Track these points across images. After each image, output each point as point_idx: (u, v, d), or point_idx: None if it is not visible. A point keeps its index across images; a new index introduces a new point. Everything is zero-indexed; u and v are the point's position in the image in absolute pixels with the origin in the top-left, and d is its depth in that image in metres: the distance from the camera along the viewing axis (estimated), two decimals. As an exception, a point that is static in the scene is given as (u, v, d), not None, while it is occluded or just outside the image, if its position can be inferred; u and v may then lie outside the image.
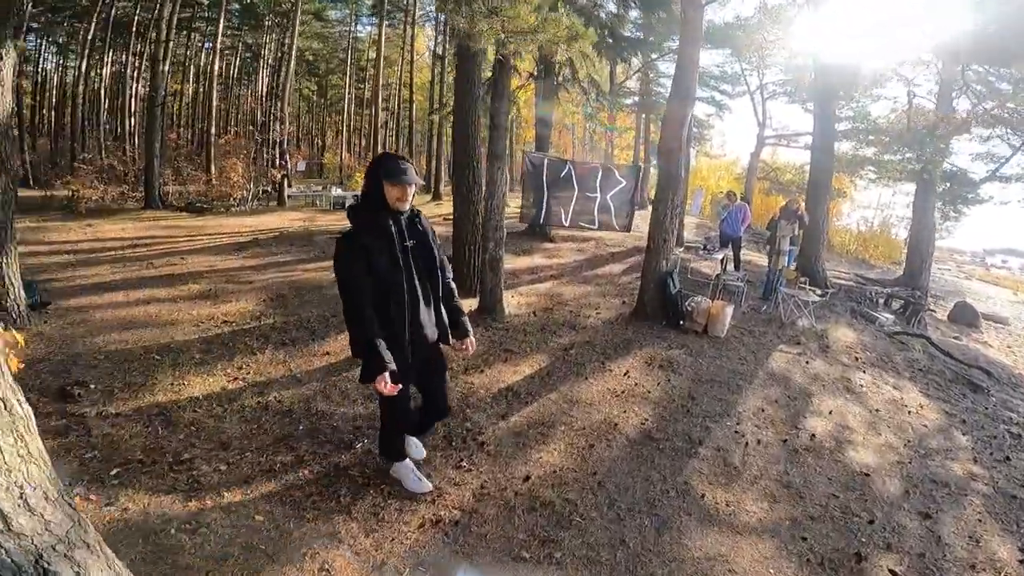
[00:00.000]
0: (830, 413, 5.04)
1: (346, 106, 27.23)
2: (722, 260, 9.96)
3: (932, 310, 11.75)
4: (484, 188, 6.14)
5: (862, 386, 5.86)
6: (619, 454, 4.01)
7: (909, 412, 5.35)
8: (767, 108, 22.00)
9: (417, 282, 2.64)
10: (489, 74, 6.87)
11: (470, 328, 2.99)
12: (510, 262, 9.55)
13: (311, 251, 9.25)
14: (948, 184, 13.61)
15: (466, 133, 6.93)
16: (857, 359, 6.72)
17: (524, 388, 4.89)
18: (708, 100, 22.58)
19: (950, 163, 13.55)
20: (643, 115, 23.10)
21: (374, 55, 25.48)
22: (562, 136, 27.39)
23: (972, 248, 30.30)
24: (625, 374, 5.37)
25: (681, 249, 8.96)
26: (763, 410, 4.90)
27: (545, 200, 7.86)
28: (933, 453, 4.54)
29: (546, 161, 7.87)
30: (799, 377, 5.82)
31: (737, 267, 10.11)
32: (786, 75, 20.09)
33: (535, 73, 13.97)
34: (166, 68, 15.10)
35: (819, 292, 7.76)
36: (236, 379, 4.37)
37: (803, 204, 8.63)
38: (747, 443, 4.27)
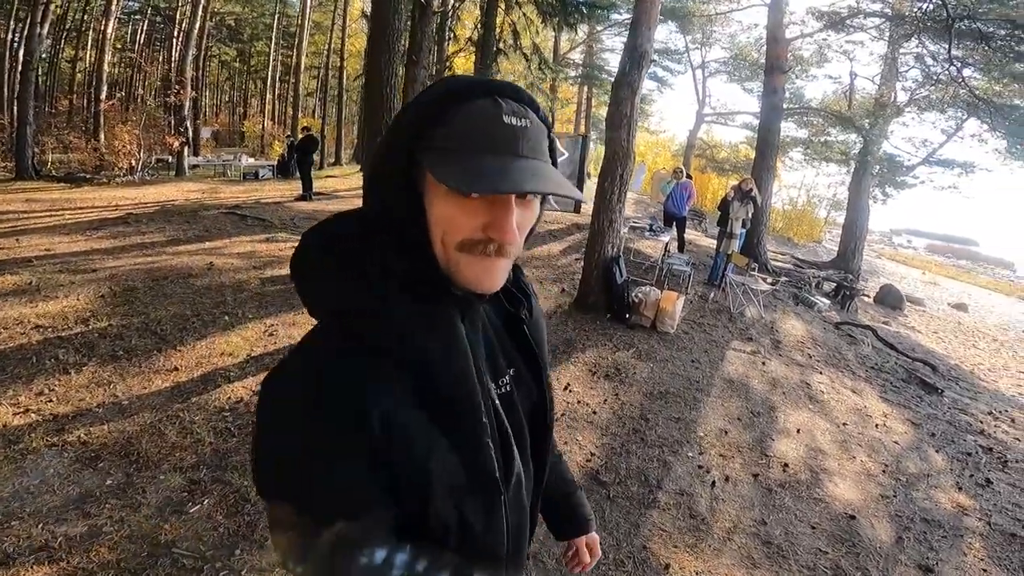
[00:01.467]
0: (798, 432, 4.28)
1: (270, 73, 24.58)
2: (667, 242, 9.20)
3: (866, 295, 11.57)
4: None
5: (823, 392, 5.19)
6: (559, 503, 3.04)
7: (876, 426, 4.70)
8: (707, 86, 21.54)
9: (522, 471, 0.75)
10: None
11: (592, 518, 1.09)
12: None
13: (191, 229, 7.52)
14: (879, 168, 13.47)
15: (381, 94, 5.60)
16: (811, 357, 6.08)
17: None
18: (650, 75, 21.81)
19: (892, 146, 13.39)
20: (586, 88, 22.05)
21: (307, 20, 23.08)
22: None
23: (880, 228, 31.63)
24: (566, 388, 4.41)
25: (626, 229, 8.06)
26: (726, 432, 4.07)
27: None
28: (915, 481, 3.86)
29: None
30: (758, 383, 5.06)
31: (681, 248, 9.38)
32: (730, 52, 19.55)
33: (474, 38, 12.58)
34: (44, 31, 12.95)
35: (769, 280, 7.11)
36: (27, 411, 3.04)
37: (755, 185, 7.91)
38: (714, 482, 3.41)
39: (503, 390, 0.74)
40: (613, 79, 5.62)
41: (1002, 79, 11.02)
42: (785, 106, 12.77)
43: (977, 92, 11.04)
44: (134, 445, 2.89)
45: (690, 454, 3.70)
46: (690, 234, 13.90)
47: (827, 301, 9.25)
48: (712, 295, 7.48)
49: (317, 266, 0.64)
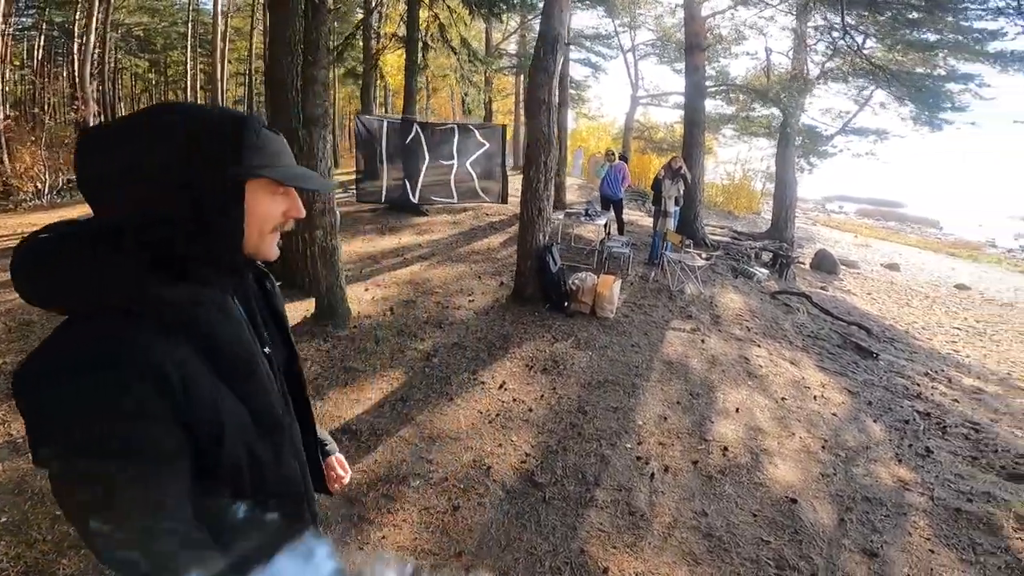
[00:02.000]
0: (737, 411, 4.18)
1: (189, 82, 23.18)
2: (605, 225, 9.07)
3: (801, 262, 11.83)
4: (319, 162, 4.51)
5: (761, 366, 5.14)
6: (493, 515, 2.83)
7: (814, 398, 4.66)
8: (639, 69, 21.63)
9: (294, 419, 0.97)
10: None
11: (330, 442, 1.24)
12: (371, 244, 7.98)
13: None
14: (801, 139, 13.80)
15: (287, 97, 5.15)
16: (749, 330, 6.06)
17: (367, 425, 3.54)
18: (584, 62, 21.81)
19: (811, 117, 13.71)
20: (523, 78, 21.77)
21: (223, 26, 21.83)
22: (440, 102, 25.17)
23: (813, 197, 32.81)
24: (501, 387, 4.17)
25: (561, 215, 7.87)
26: (665, 418, 3.93)
27: (385, 173, 6.19)
28: (854, 455, 3.80)
29: (385, 125, 6.11)
30: (697, 363, 4.96)
31: (621, 231, 9.27)
32: (656, 34, 19.67)
33: (398, 33, 12.11)
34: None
35: (705, 255, 7.07)
36: None
37: (684, 162, 7.85)
38: (653, 473, 3.24)
39: (267, 350, 0.89)
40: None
41: (896, 47, 11.39)
42: (708, 84, 12.90)
43: (875, 61, 11.42)
44: (28, 483, 2.65)
45: (628, 445, 3.53)
46: (631, 215, 13.91)
47: (765, 271, 9.37)
48: (652, 275, 7.40)
49: (80, 262, 0.69)
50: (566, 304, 5.63)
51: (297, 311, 5.13)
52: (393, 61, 16.70)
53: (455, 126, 6.42)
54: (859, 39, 11.01)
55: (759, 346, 5.63)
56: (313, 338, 4.73)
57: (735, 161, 24.32)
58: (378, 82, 16.30)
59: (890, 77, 11.71)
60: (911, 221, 31.49)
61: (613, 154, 9.07)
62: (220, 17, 18.37)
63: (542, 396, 4.10)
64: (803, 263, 11.95)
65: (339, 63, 14.81)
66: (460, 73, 11.87)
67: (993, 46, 11.47)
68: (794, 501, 3.09)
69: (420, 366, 4.46)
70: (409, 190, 6.31)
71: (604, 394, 4.19)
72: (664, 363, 4.85)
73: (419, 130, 6.21)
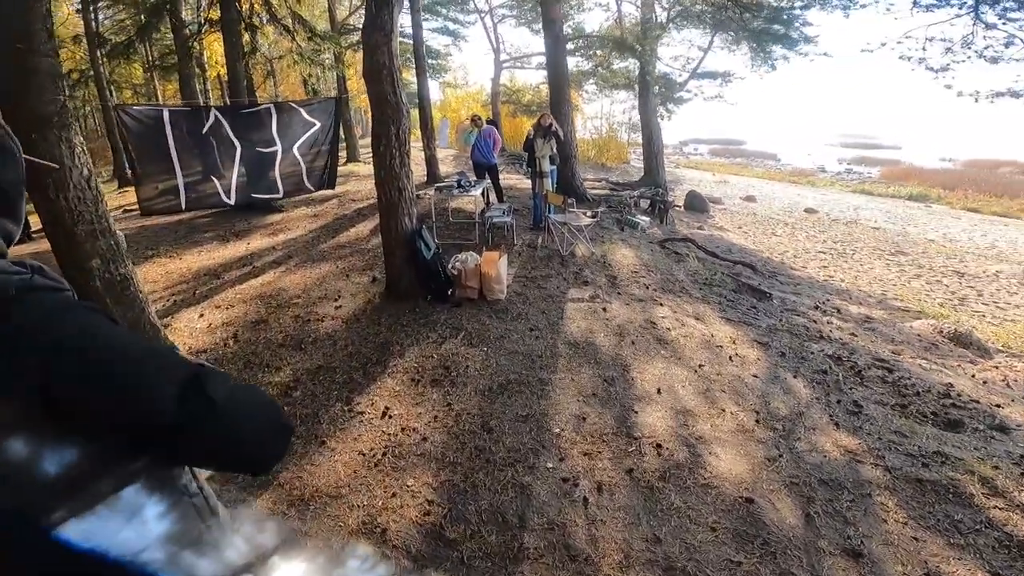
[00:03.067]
0: (659, 392, 3.60)
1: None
2: (483, 194, 8.25)
3: (678, 206, 11.88)
4: (68, 172, 3.15)
5: (669, 329, 4.64)
6: (391, 612, 1.97)
7: (730, 358, 4.22)
8: (499, 33, 20.75)
9: None
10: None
11: None
12: (210, 256, 6.51)
13: None
14: (658, 88, 13.85)
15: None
16: (648, 287, 5.59)
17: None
18: (442, 31, 20.50)
19: (665, 65, 13.71)
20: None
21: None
22: (291, 88, 22.14)
23: (671, 141, 34.41)
24: (385, 414, 3.26)
25: (432, 191, 6.92)
26: (584, 418, 3.25)
27: (179, 172, 4.66)
28: (791, 427, 3.32)
29: (166, 113, 4.54)
30: (604, 337, 4.35)
31: (500, 198, 8.50)
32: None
33: (211, 16, 10.06)
34: None
35: (590, 213, 6.51)
36: None
37: (554, 119, 7.17)
38: (585, 498, 2.54)
39: None
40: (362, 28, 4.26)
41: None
42: (567, 38, 12.38)
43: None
44: None
45: (550, 464, 2.80)
46: (510, 179, 13.23)
47: (647, 218, 9.13)
48: (540, 240, 6.73)
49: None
50: (450, 292, 4.78)
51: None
52: (219, 48, 14.32)
53: (270, 106, 4.88)
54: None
55: (662, 304, 5.18)
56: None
57: (600, 116, 24.56)
58: (205, 74, 13.83)
59: (724, 21, 11.93)
60: (754, 156, 34.17)
61: (480, 119, 8.18)
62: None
63: (436, 417, 3.25)
64: (678, 206, 12.03)
65: (131, 55, 12.28)
66: (299, 52, 10.22)
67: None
68: (750, 501, 2.54)
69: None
70: (221, 189, 4.78)
71: (509, 400, 3.42)
72: (569, 345, 4.18)
73: (219, 115, 4.58)
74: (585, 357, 4.03)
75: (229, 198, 4.68)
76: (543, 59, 15.21)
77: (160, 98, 20.65)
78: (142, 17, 12.36)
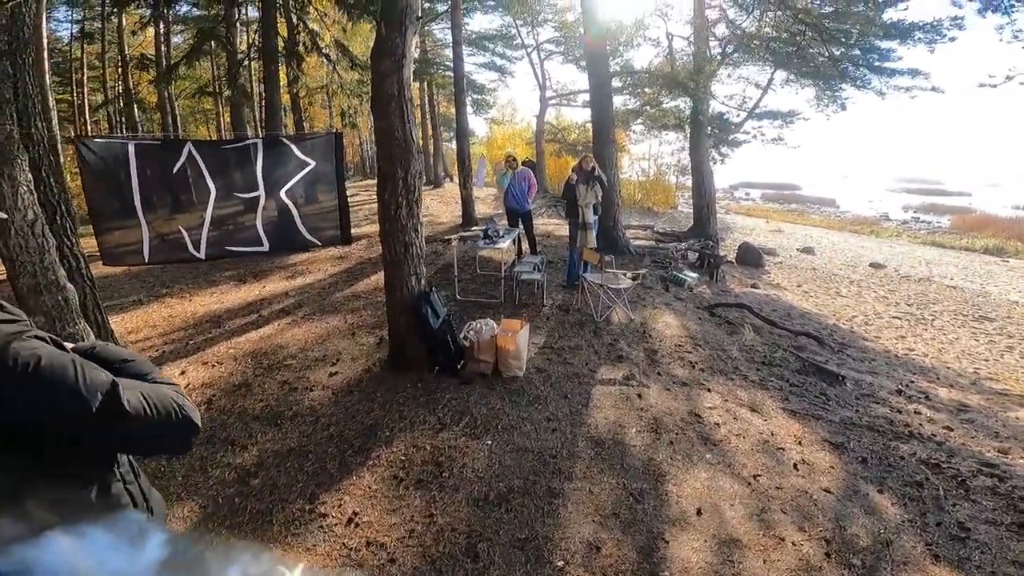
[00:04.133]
0: (699, 514, 2.84)
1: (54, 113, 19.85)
2: (515, 242, 7.68)
3: (730, 261, 10.99)
4: (10, 214, 2.77)
5: (718, 423, 3.86)
6: None
7: (795, 466, 3.41)
8: (546, 69, 20.68)
9: None
10: None
11: None
12: (219, 299, 6.17)
13: None
14: (712, 128, 13.15)
15: None
16: (694, 366, 4.81)
17: None
18: (489, 65, 20.62)
19: (721, 103, 13.05)
20: (425, 83, 20.18)
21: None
22: (316, 113, 22.29)
23: (721, 185, 33.28)
24: (350, 521, 2.66)
25: (455, 240, 6.39)
26: (598, 547, 2.53)
27: (142, 219, 4.02)
28: (875, 564, 2.53)
29: (131, 148, 3.84)
30: (636, 434, 3.60)
31: (533, 248, 7.91)
32: (558, 32, 18.77)
33: (255, 43, 10.17)
34: None
35: (630, 275, 5.80)
36: None
37: (596, 162, 6.58)
38: None
39: None
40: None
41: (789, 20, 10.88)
42: (613, 76, 11.93)
43: (773, 38, 10.87)
44: None
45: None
46: (549, 224, 12.69)
47: (695, 274, 8.33)
48: (574, 301, 6.07)
49: None
50: (460, 365, 4.16)
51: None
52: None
53: (257, 141, 4.05)
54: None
55: (710, 390, 4.39)
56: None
57: (647, 157, 23.94)
58: (250, 101, 14.12)
59: (790, 55, 11.20)
60: (810, 202, 32.61)
61: (515, 160, 7.69)
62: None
63: (412, 531, 2.60)
64: (730, 260, 11.12)
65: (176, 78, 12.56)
66: (338, 83, 10.16)
67: (888, 15, 11.18)
68: None
69: (229, 494, 2.87)
70: (189, 241, 4.05)
71: (507, 515, 2.73)
72: (592, 443, 3.46)
73: (193, 151, 3.89)
74: (610, 460, 3.29)
75: (198, 251, 4.01)
76: (589, 96, 14.87)
77: (220, 126, 21.41)
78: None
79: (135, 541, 0.85)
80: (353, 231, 9.10)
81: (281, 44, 9.38)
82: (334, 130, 4.87)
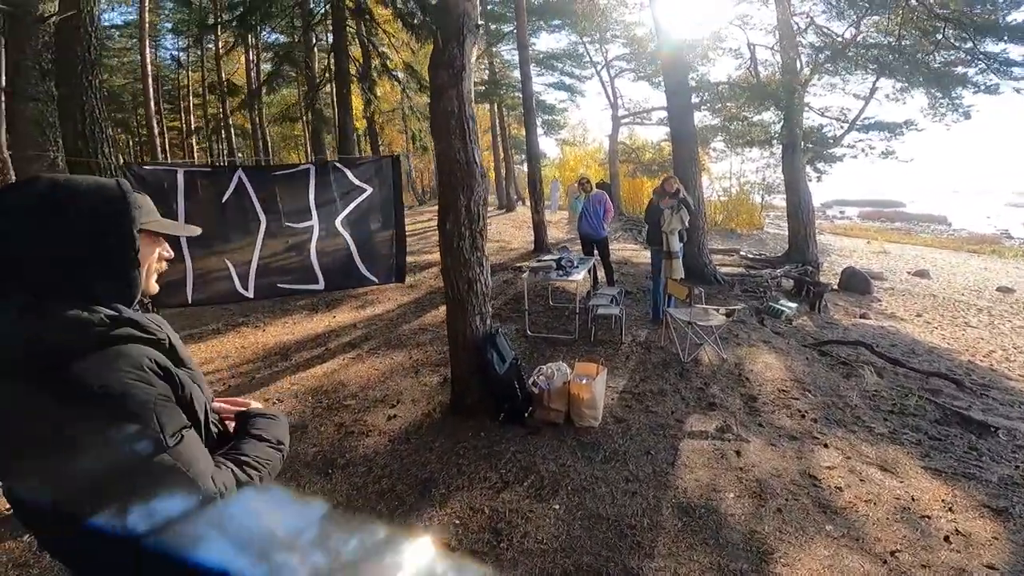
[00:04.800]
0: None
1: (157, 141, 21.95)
2: (590, 271, 7.20)
3: (835, 288, 9.86)
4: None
5: (839, 487, 3.16)
6: None
7: (946, 539, 2.68)
8: (616, 87, 20.23)
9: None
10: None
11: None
12: (290, 329, 6.15)
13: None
14: (807, 143, 12.06)
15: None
16: (804, 416, 4.08)
17: None
18: (558, 85, 20.43)
19: (822, 114, 12.01)
20: (495, 106, 20.29)
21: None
22: (392, 137, 22.57)
23: (813, 204, 30.88)
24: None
25: (526, 272, 6.02)
26: None
27: (187, 254, 3.70)
28: None
29: (180, 176, 3.53)
30: (734, 500, 2.98)
31: (610, 279, 7.38)
32: (628, 47, 18.30)
33: (328, 66, 10.48)
34: None
35: (723, 311, 5.13)
36: None
37: (681, 185, 5.99)
38: None
39: None
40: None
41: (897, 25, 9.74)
42: (693, 89, 11.27)
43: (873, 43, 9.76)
44: None
45: None
46: (626, 249, 12.07)
47: (793, 304, 7.44)
48: (656, 338, 5.48)
49: (44, 326, 0.83)
50: (527, 414, 3.72)
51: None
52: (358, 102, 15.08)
53: (310, 167, 3.78)
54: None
55: (826, 445, 3.66)
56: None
57: (729, 175, 22.64)
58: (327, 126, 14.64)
59: (896, 61, 10.03)
60: (917, 220, 29.65)
61: (588, 182, 7.26)
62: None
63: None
64: (836, 289, 9.97)
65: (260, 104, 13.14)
66: (408, 106, 10.24)
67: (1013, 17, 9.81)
68: None
69: None
70: (236, 276, 3.64)
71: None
72: (679, 511, 2.89)
73: (244, 178, 3.67)
74: (701, 533, 2.71)
75: (246, 289, 3.58)
76: (664, 113, 14.19)
77: (307, 151, 22.49)
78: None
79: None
80: (424, 257, 8.97)
81: (354, 68, 9.61)
82: (391, 154, 4.59)
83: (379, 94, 11.90)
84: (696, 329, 4.91)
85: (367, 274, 3.82)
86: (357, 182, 3.71)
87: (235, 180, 3.57)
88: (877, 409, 4.33)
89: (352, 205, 3.70)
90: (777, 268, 9.58)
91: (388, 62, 10.12)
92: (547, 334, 5.73)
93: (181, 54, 20.69)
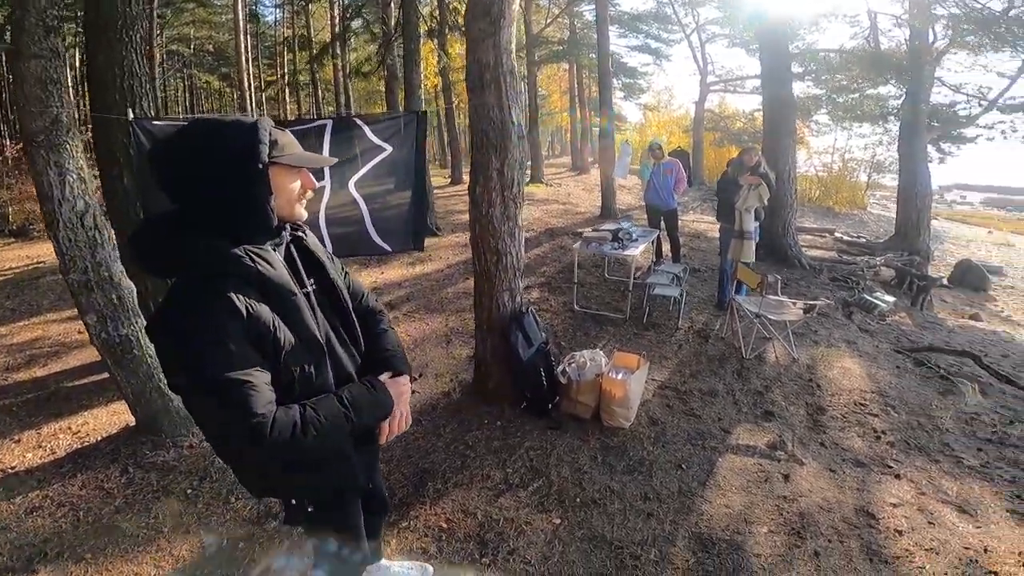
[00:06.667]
0: None
1: (251, 94, 22.77)
2: (653, 243, 6.51)
3: (948, 285, 8.49)
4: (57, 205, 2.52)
5: (899, 530, 2.53)
6: None
7: None
8: (707, 53, 18.50)
9: (341, 351, 1.27)
10: None
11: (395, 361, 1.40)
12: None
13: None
14: (933, 122, 10.33)
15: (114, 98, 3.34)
16: (879, 437, 3.37)
17: None
18: (642, 48, 18.95)
19: (952, 88, 10.29)
20: (574, 65, 19.19)
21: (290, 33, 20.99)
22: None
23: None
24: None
25: (577, 243, 5.48)
26: None
27: None
28: None
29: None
30: (766, 536, 2.43)
31: (676, 255, 6.65)
32: (722, 12, 16.50)
33: (398, 21, 10.02)
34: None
35: (801, 305, 4.38)
36: None
37: (762, 159, 5.12)
38: None
39: (308, 290, 1.21)
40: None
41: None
42: (793, 58, 9.86)
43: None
44: None
45: None
46: (702, 221, 11.08)
47: (891, 298, 6.40)
48: (718, 326, 4.82)
49: (175, 243, 1.04)
50: (551, 405, 3.30)
51: (119, 418, 3.22)
52: (432, 59, 14.42)
53: (327, 123, 3.26)
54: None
55: (899, 476, 2.98)
56: (111, 463, 2.81)
57: (832, 150, 20.29)
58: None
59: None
60: (1052, 208, 25.30)
61: (660, 148, 6.48)
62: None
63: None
64: (949, 285, 8.58)
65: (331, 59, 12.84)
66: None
67: None
68: None
69: (237, 535, 2.40)
70: None
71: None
72: (697, 542, 2.40)
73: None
74: (715, 573, 2.23)
75: None
76: (759, 82, 12.69)
77: (385, 108, 22.56)
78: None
79: None
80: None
81: (428, 25, 9.22)
82: (417, 110, 4.15)
83: (453, 53, 11.42)
84: (765, 322, 4.21)
85: (379, 241, 3.47)
86: (376, 140, 3.32)
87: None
88: (972, 435, 3.51)
89: (368, 166, 3.31)
90: (877, 255, 8.33)
91: (457, 17, 9.62)
92: (596, 310, 5.22)
93: (277, 10, 21.13)
